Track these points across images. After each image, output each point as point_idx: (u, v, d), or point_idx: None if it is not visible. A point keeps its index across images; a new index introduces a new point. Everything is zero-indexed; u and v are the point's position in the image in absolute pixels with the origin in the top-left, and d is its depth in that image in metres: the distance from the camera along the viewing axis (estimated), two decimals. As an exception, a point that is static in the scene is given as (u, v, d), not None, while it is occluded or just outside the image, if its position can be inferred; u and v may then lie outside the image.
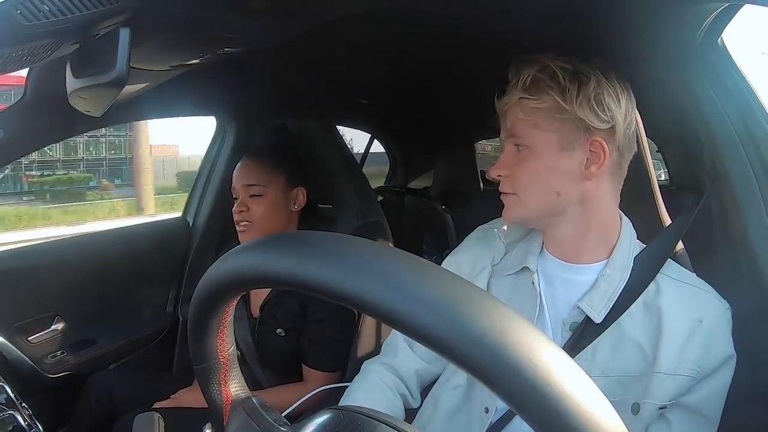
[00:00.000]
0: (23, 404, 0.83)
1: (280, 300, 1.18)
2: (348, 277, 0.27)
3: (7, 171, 10.36)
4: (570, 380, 0.24)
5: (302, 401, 0.88)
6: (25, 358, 1.19)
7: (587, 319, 0.69)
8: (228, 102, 1.47)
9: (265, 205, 1.17)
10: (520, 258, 0.76)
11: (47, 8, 0.47)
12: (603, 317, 0.68)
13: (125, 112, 1.19)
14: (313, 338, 1.16)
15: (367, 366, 0.85)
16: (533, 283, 0.72)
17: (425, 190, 2.45)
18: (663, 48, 0.80)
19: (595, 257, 0.71)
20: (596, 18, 0.76)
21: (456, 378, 0.78)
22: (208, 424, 0.46)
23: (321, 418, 0.37)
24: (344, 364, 1.17)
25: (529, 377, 0.23)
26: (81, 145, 11.80)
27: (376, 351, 0.99)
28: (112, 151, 12.31)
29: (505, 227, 0.82)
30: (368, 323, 1.17)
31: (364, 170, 1.85)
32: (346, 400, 0.79)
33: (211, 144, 1.65)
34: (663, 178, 1.28)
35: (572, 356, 0.51)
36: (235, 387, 0.43)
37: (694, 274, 0.74)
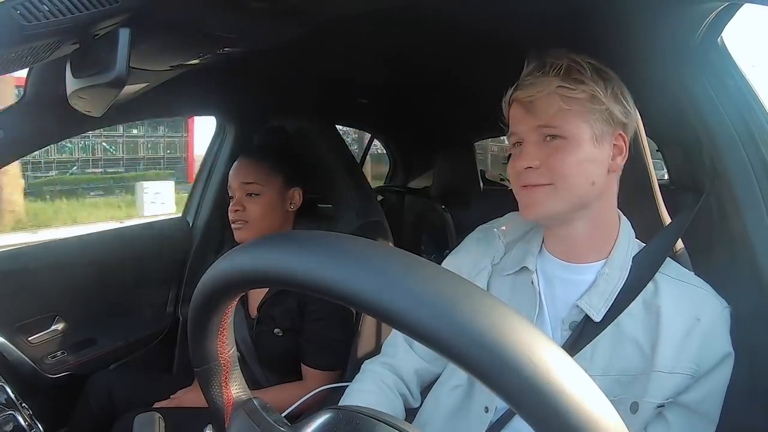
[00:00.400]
0: (23, 404, 0.83)
1: (278, 300, 1.18)
2: (348, 277, 0.27)
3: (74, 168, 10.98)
4: (569, 379, 0.24)
5: (302, 401, 0.88)
6: (26, 358, 1.19)
7: (586, 318, 0.69)
8: (228, 102, 1.47)
9: (261, 204, 1.17)
10: (519, 258, 0.76)
11: (47, 8, 0.47)
12: (602, 316, 0.68)
13: (125, 112, 1.19)
14: (311, 337, 1.16)
15: (367, 366, 0.85)
16: (532, 282, 0.73)
17: (425, 189, 2.45)
18: (662, 47, 0.80)
19: (595, 256, 0.71)
20: (595, 18, 0.76)
21: (456, 377, 0.78)
22: (209, 426, 0.46)
23: (321, 418, 0.37)
24: (343, 363, 1.17)
25: (529, 376, 0.23)
26: (141, 145, 12.36)
27: (376, 351, 0.99)
28: (168, 151, 12.76)
29: (504, 227, 0.82)
30: (368, 323, 1.17)
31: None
32: (346, 400, 0.79)
33: (210, 144, 1.65)
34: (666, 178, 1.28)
35: (571, 355, 0.51)
36: (236, 389, 0.42)
37: (693, 273, 0.74)
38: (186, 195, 1.81)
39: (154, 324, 1.52)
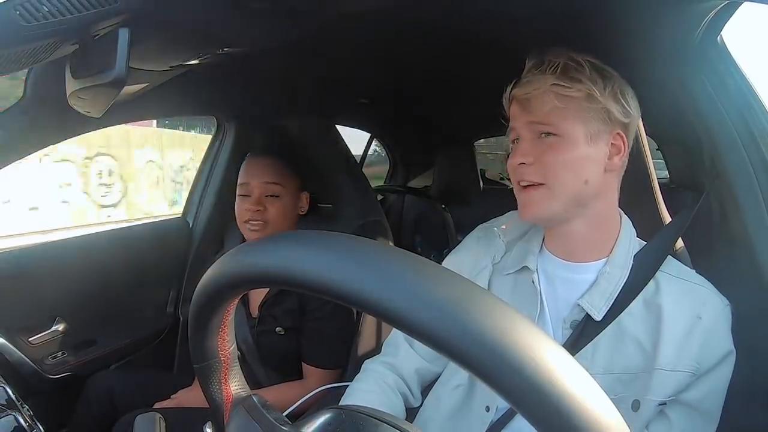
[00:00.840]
0: (24, 405, 0.83)
1: (279, 299, 1.18)
2: (348, 277, 0.27)
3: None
4: (571, 378, 0.24)
5: (303, 400, 0.88)
6: (26, 359, 1.19)
7: (587, 317, 0.69)
8: (228, 102, 1.47)
9: (280, 206, 1.17)
10: (519, 257, 0.76)
11: (47, 9, 0.47)
12: (603, 315, 0.68)
13: (125, 112, 1.19)
14: (312, 336, 1.16)
15: (368, 365, 0.85)
16: (533, 282, 0.73)
17: (425, 189, 2.45)
18: (662, 47, 0.80)
19: (596, 255, 0.71)
20: (594, 18, 0.76)
21: (457, 377, 0.78)
22: (209, 423, 0.46)
23: (322, 417, 0.37)
24: (344, 362, 1.17)
25: (530, 375, 0.23)
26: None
27: (376, 350, 0.99)
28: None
29: (504, 226, 0.82)
30: (368, 322, 1.17)
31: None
32: (346, 400, 0.78)
33: (210, 144, 1.64)
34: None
35: (573, 354, 0.51)
36: (235, 385, 0.42)
37: (694, 271, 0.74)
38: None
39: (154, 324, 1.52)
